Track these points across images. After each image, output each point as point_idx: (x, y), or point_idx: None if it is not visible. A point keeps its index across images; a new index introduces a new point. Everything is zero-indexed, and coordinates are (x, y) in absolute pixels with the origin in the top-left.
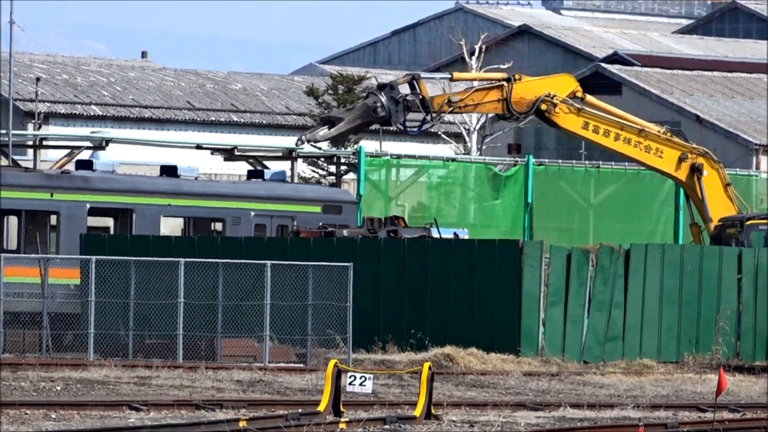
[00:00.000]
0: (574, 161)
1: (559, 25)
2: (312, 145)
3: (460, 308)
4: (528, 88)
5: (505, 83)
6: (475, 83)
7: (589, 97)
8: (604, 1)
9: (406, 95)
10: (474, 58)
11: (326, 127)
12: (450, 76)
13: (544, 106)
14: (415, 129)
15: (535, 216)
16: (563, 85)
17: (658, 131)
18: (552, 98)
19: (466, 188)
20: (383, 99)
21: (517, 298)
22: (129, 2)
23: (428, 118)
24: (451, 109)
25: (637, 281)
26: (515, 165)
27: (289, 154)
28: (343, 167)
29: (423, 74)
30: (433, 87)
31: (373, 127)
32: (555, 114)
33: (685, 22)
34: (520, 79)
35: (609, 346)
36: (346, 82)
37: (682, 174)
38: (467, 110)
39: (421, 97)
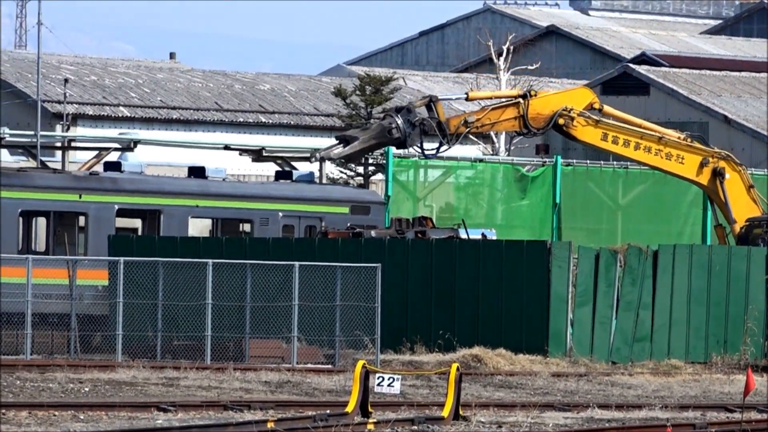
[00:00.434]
0: (602, 162)
1: (587, 25)
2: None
3: (488, 309)
4: (544, 104)
5: (521, 100)
6: (491, 101)
7: (607, 108)
8: (632, 1)
9: (423, 119)
10: (502, 58)
11: (341, 145)
12: (466, 95)
13: (561, 121)
14: (433, 153)
15: (563, 217)
16: (580, 98)
17: (678, 137)
18: (569, 112)
19: (493, 189)
20: (399, 121)
21: (546, 298)
22: (157, 3)
23: (444, 141)
24: (468, 129)
25: (665, 282)
26: (543, 165)
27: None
28: (371, 168)
29: (440, 95)
30: (461, 87)
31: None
32: (573, 127)
33: (713, 22)
34: (536, 95)
35: (637, 347)
36: (374, 83)
37: (704, 179)
38: (484, 129)
39: (437, 120)
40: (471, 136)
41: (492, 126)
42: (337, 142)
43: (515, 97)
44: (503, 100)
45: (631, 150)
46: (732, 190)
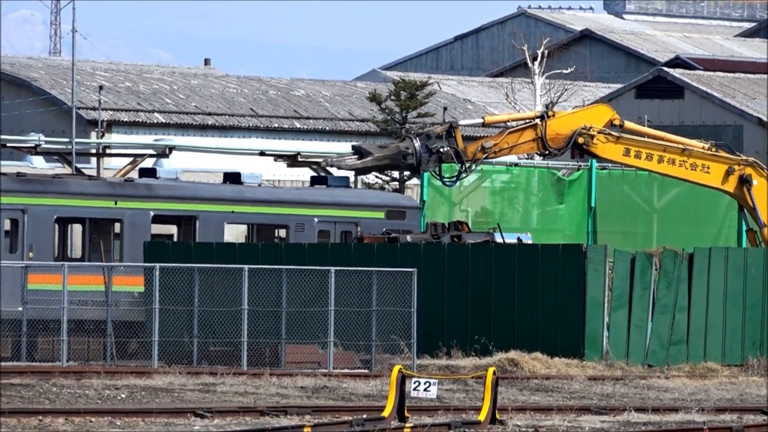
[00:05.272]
0: None
1: (622, 29)
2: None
3: (524, 313)
4: (563, 124)
5: (538, 121)
6: (509, 123)
7: (628, 123)
8: (666, 3)
9: (441, 146)
10: (536, 63)
11: (355, 156)
12: (482, 121)
13: (581, 140)
14: (453, 181)
15: (599, 220)
16: (599, 115)
17: (702, 147)
18: (588, 130)
19: (529, 193)
20: (416, 145)
21: (581, 302)
22: (191, 9)
23: (463, 168)
24: (485, 155)
25: (700, 285)
26: (578, 169)
27: None
28: (406, 173)
29: (461, 122)
30: (496, 91)
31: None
32: (594, 145)
33: (747, 25)
34: (553, 115)
35: (673, 350)
36: (409, 88)
37: (731, 186)
38: (502, 154)
39: (455, 148)
40: None
41: (510, 150)
42: (352, 152)
43: (532, 119)
44: (521, 122)
45: (654, 163)
46: (760, 196)
